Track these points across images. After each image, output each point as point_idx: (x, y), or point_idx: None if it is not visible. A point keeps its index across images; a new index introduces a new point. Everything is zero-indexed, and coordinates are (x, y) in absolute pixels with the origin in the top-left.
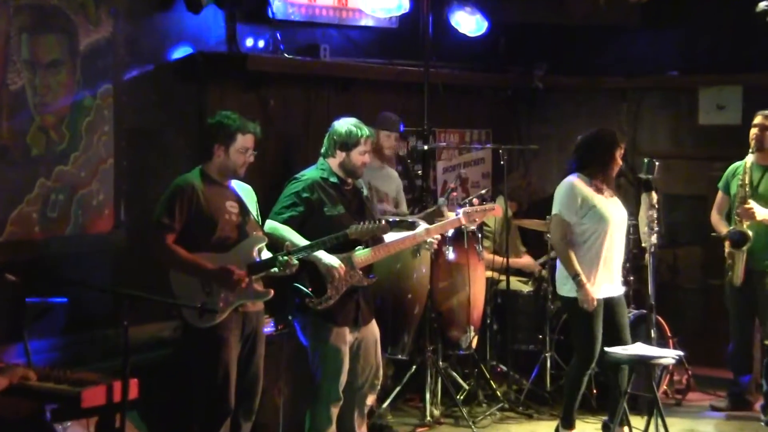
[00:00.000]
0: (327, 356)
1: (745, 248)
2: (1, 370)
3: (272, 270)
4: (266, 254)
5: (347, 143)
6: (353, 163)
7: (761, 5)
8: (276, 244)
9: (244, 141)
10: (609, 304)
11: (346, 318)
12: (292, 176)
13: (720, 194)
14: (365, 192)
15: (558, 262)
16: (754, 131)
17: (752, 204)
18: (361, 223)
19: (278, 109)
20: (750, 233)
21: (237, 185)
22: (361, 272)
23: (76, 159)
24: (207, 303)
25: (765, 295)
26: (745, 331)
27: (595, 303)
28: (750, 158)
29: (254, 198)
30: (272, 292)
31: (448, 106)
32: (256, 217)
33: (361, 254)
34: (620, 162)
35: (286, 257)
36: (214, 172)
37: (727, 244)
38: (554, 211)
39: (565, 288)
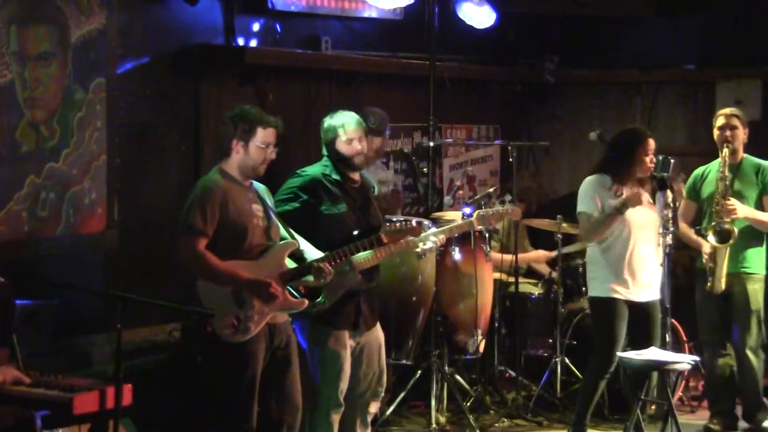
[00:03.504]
0: (325, 360)
1: (729, 243)
2: None
3: (306, 278)
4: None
5: (328, 136)
6: (344, 154)
7: None
8: None
9: (265, 135)
10: (639, 309)
11: (345, 321)
12: (294, 172)
13: (684, 202)
14: (377, 190)
15: (587, 263)
16: (722, 132)
17: (733, 201)
18: (392, 223)
19: (277, 103)
20: (734, 227)
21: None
22: (360, 275)
23: (67, 156)
24: (240, 315)
25: (745, 301)
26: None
27: (642, 198)
28: (727, 152)
29: (271, 198)
30: (306, 302)
31: (454, 100)
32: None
33: (362, 256)
34: (646, 162)
35: (321, 264)
36: (234, 171)
37: (707, 245)
38: (579, 209)
39: (591, 287)
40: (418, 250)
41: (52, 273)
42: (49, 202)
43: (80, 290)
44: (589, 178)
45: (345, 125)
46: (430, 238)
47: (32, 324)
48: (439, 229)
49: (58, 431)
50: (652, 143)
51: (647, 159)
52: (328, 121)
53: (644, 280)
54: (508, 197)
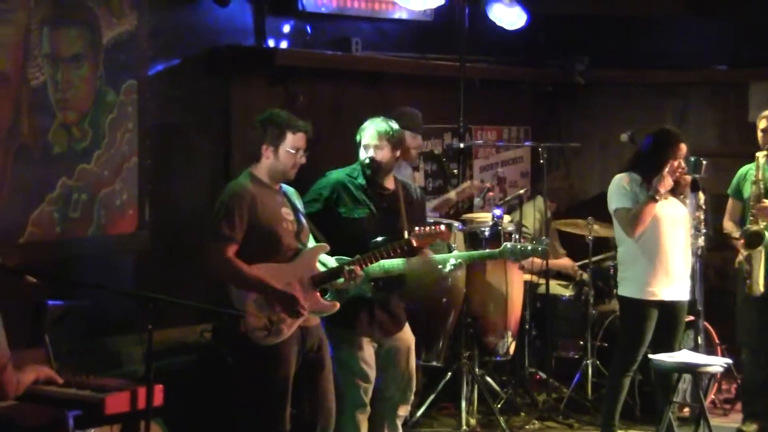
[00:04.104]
0: (342, 361)
1: (761, 248)
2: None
3: (338, 281)
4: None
5: (357, 140)
6: (360, 159)
7: None
8: None
9: (294, 140)
10: (667, 308)
11: (359, 326)
12: (322, 173)
13: (731, 201)
14: (418, 198)
15: (618, 264)
16: (765, 134)
17: None
18: (423, 228)
19: (307, 105)
20: (765, 231)
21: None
22: (371, 284)
23: (98, 157)
24: (273, 318)
25: None
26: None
27: (670, 183)
28: (761, 155)
29: (300, 200)
30: (338, 305)
31: (484, 102)
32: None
33: (375, 266)
34: (675, 164)
35: (352, 267)
36: (264, 175)
37: (741, 247)
38: (612, 207)
39: (622, 286)
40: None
41: (83, 274)
42: (80, 204)
43: (111, 291)
44: (618, 176)
45: (364, 131)
46: (450, 261)
47: (64, 324)
48: (461, 254)
49: (89, 431)
50: (683, 147)
51: (675, 164)
52: (362, 126)
53: (676, 279)
54: (545, 240)
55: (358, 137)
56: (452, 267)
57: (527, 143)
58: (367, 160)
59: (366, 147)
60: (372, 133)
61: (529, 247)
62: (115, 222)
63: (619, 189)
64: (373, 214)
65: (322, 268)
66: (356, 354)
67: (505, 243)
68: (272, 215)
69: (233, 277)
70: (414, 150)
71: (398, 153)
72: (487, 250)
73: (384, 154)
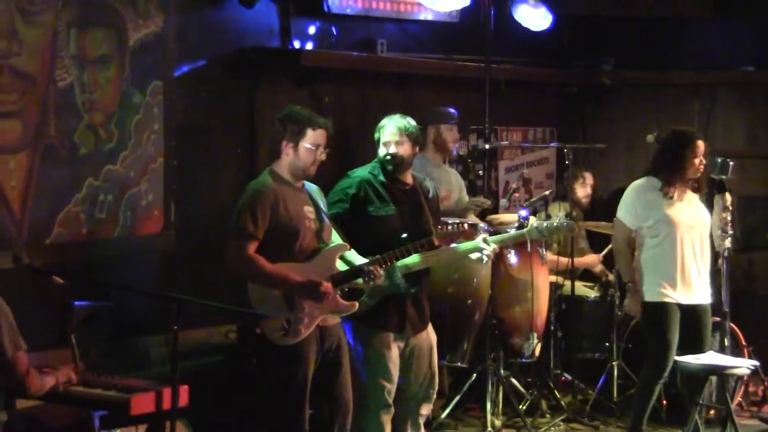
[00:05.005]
0: (369, 361)
1: None
2: (47, 372)
3: (357, 281)
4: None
5: (375, 137)
6: (379, 156)
7: None
8: None
9: (315, 137)
10: (691, 312)
11: (390, 324)
12: (344, 173)
13: None
14: (431, 194)
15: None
16: None
17: None
18: (445, 225)
19: (332, 106)
20: None
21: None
22: (403, 279)
23: (124, 158)
24: (290, 318)
25: None
26: None
27: (638, 315)
28: None
29: (324, 199)
30: (357, 304)
31: (510, 103)
32: (328, 220)
33: (408, 261)
34: (697, 164)
35: (371, 267)
36: (285, 173)
37: None
38: (617, 214)
39: (643, 291)
40: (474, 256)
41: (109, 274)
42: (106, 204)
43: (137, 292)
44: (635, 184)
45: (383, 128)
46: (485, 252)
47: (90, 325)
48: (492, 237)
49: (115, 431)
50: (701, 145)
51: (696, 161)
52: (380, 123)
53: (694, 283)
54: (564, 213)
55: (377, 135)
56: (481, 256)
57: (553, 144)
58: (388, 156)
59: (386, 144)
60: (392, 129)
61: (555, 224)
62: (141, 223)
63: (627, 200)
64: (399, 210)
65: (343, 267)
66: (385, 354)
67: (531, 223)
68: (295, 213)
69: (254, 273)
70: (451, 143)
71: (417, 149)
72: (514, 231)
73: (405, 150)
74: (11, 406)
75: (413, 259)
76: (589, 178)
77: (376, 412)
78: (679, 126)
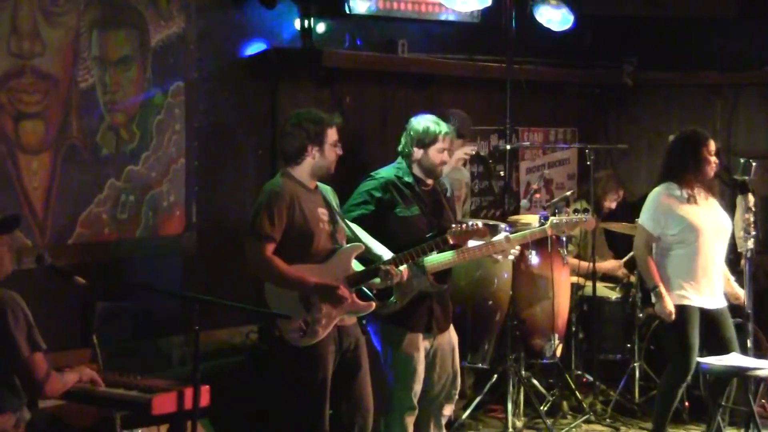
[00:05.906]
0: (398, 362)
1: None
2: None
3: (374, 281)
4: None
5: (424, 140)
6: (431, 162)
7: None
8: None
9: (334, 134)
10: (711, 316)
11: (418, 324)
12: (367, 174)
13: None
14: (449, 193)
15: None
16: None
17: None
18: (460, 225)
19: (354, 106)
20: None
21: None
22: (432, 278)
23: (146, 159)
24: (308, 319)
25: None
26: None
27: (673, 316)
28: None
29: (337, 200)
30: (373, 305)
31: (531, 103)
32: (341, 221)
33: (434, 259)
34: (712, 161)
35: (387, 267)
36: (305, 176)
37: None
38: (639, 220)
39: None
40: (499, 258)
41: (131, 275)
42: (128, 205)
43: (158, 292)
44: (656, 191)
45: (444, 133)
46: (512, 251)
47: (112, 325)
48: (515, 235)
49: (137, 431)
50: (712, 144)
51: (713, 159)
52: (427, 124)
53: (716, 288)
54: (582, 205)
55: (427, 138)
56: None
57: (575, 145)
58: (444, 163)
59: (443, 149)
60: (451, 135)
61: (574, 219)
62: (163, 223)
63: (650, 206)
64: (424, 211)
65: (357, 268)
66: (414, 355)
67: (551, 218)
68: (309, 215)
69: (272, 275)
70: (462, 158)
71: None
72: (535, 228)
73: (446, 155)
74: (34, 405)
75: (439, 257)
76: (620, 195)
77: (401, 414)
78: (689, 127)
